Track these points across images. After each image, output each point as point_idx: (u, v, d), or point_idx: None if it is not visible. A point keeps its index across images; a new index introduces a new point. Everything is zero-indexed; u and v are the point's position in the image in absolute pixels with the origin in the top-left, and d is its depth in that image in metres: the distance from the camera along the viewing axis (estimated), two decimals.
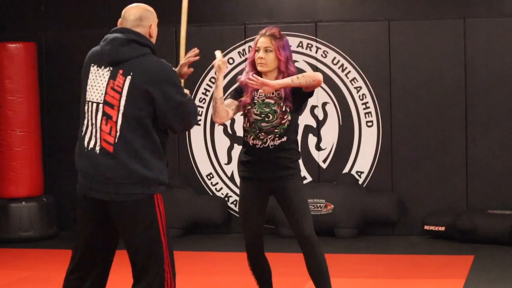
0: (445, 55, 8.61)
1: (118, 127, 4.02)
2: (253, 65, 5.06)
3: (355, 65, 8.78)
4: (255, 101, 4.99)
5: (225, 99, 5.08)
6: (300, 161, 5.39)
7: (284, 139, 4.89)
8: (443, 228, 8.29)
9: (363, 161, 8.81)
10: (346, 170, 8.83)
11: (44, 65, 9.36)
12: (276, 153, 4.90)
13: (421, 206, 8.65)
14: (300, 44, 8.86)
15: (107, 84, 4.06)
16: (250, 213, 5.01)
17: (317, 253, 4.86)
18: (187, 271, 7.19)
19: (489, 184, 8.53)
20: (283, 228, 8.49)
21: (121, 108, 4.02)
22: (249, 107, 4.99)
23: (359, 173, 8.81)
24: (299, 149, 5.09)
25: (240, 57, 8.97)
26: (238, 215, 8.99)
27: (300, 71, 5.22)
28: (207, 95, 9.09)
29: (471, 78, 8.57)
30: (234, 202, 9.06)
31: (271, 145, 4.89)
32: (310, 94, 4.98)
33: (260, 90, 4.93)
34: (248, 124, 4.99)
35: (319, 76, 4.87)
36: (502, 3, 8.60)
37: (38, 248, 8.50)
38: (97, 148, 4.05)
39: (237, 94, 5.08)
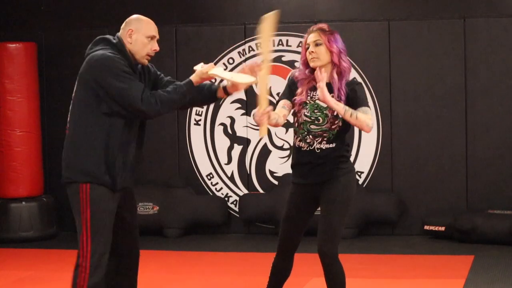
0: (445, 55, 8.61)
1: (70, 115, 4.42)
2: (306, 65, 4.79)
3: (355, 65, 8.78)
4: (307, 102, 4.72)
5: (277, 101, 4.82)
6: None
7: (333, 145, 4.66)
8: (443, 228, 8.29)
9: (363, 161, 8.81)
10: None
11: (44, 65, 9.36)
12: (321, 158, 4.66)
13: (421, 206, 8.65)
14: (300, 44, 8.86)
15: None
16: (290, 218, 4.77)
17: (332, 271, 4.66)
18: (187, 271, 7.19)
19: (489, 184, 8.53)
20: None
21: (73, 97, 4.42)
22: (301, 107, 4.73)
23: (359, 173, 8.81)
24: (349, 154, 4.79)
25: (240, 57, 8.97)
26: (238, 215, 8.99)
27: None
28: None
29: (471, 78, 8.57)
30: (234, 202, 9.06)
31: (318, 149, 4.67)
32: None
33: (317, 92, 4.66)
34: (296, 124, 4.75)
35: (369, 127, 4.56)
36: (502, 3, 8.60)
37: (38, 248, 8.50)
38: None
39: (291, 90, 4.81)
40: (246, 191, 9.02)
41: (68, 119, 4.41)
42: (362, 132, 8.77)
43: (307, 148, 4.68)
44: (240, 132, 9.02)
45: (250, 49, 8.96)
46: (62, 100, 9.36)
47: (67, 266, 7.39)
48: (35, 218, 8.86)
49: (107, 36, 4.47)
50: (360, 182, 8.77)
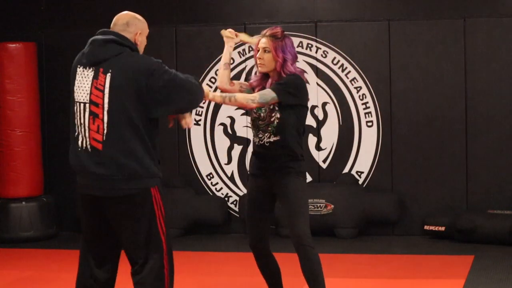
0: (445, 55, 8.61)
1: (105, 125, 4.13)
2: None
3: (355, 65, 8.78)
4: None
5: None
6: None
7: (278, 137, 4.93)
8: (443, 228, 8.28)
9: (363, 161, 8.81)
10: (346, 170, 8.83)
11: (44, 65, 9.37)
12: (271, 151, 4.95)
13: (421, 206, 8.65)
14: (300, 44, 8.86)
15: (92, 84, 4.19)
16: (252, 210, 5.06)
17: (310, 255, 4.81)
18: (187, 271, 7.19)
19: (489, 184, 8.53)
20: (283, 228, 8.48)
21: (105, 105, 4.15)
22: None
23: (359, 173, 8.81)
24: (301, 149, 5.04)
25: (240, 57, 8.96)
26: (238, 215, 8.99)
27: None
28: None
29: (471, 78, 8.57)
30: (234, 202, 9.06)
31: (266, 142, 4.96)
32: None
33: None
34: (251, 122, 5.10)
35: (249, 103, 4.84)
36: (502, 3, 8.60)
37: (38, 248, 8.50)
38: (88, 147, 4.17)
39: (252, 89, 5.18)
40: (246, 191, 9.02)
41: (107, 130, 4.11)
42: (362, 132, 8.78)
43: (258, 142, 5.02)
44: (240, 132, 9.02)
45: (251, 49, 8.96)
46: (62, 100, 9.37)
47: (67, 266, 7.40)
48: (35, 218, 8.86)
49: (113, 37, 4.27)
50: (360, 182, 8.77)
